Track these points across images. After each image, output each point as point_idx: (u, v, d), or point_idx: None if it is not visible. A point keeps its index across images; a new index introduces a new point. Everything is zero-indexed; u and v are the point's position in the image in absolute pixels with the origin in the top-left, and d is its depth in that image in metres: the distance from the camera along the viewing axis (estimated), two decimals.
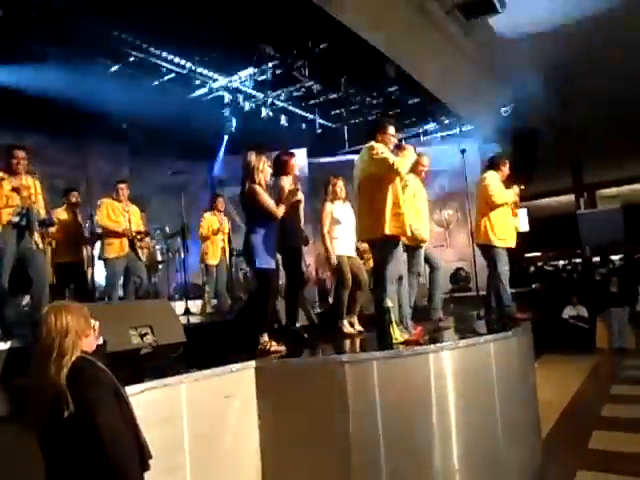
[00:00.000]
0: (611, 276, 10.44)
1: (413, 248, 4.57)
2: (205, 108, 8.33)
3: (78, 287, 5.55)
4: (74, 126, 7.68)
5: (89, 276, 5.87)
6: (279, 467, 3.07)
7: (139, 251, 5.54)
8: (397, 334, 3.49)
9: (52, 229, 4.97)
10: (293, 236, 4.26)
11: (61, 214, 5.42)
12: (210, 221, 6.68)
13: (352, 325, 4.45)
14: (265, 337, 3.57)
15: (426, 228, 4.65)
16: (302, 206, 4.33)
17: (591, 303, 10.08)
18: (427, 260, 4.82)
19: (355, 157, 4.20)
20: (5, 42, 5.89)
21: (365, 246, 4.96)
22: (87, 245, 5.82)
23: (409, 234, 3.90)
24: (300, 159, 4.47)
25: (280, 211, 3.66)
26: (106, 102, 6.92)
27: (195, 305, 6.71)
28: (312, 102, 8.38)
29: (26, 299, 4.87)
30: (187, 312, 6.15)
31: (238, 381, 3.06)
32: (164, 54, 6.98)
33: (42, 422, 1.72)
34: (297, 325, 4.42)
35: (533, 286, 11.11)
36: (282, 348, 3.54)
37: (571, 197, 16.20)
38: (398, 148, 3.84)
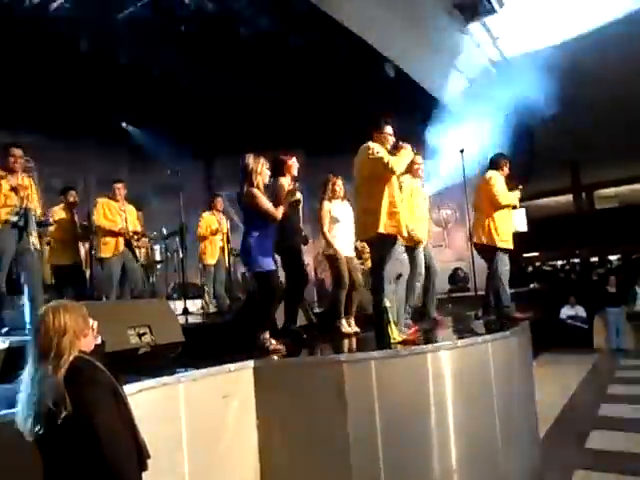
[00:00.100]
0: (608, 276, 10.47)
1: (411, 248, 4.56)
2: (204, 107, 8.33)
3: (76, 287, 5.54)
4: (72, 125, 7.66)
5: (87, 276, 5.86)
6: (277, 467, 3.07)
7: (136, 251, 5.54)
8: (395, 334, 3.49)
9: (51, 228, 4.97)
10: (292, 236, 4.26)
11: (58, 213, 5.40)
12: (208, 221, 6.68)
13: (349, 325, 4.44)
14: (266, 335, 3.58)
15: (423, 229, 4.64)
16: (301, 206, 4.33)
17: (589, 303, 10.10)
18: (426, 265, 4.79)
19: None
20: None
21: (364, 245, 4.96)
22: (84, 242, 5.81)
23: (405, 234, 3.91)
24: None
25: (279, 213, 3.65)
26: (104, 100, 6.92)
27: (194, 305, 6.71)
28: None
29: (23, 299, 4.87)
30: (185, 312, 6.15)
31: (236, 381, 3.06)
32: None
33: (39, 421, 1.71)
34: (296, 325, 4.43)
35: (531, 286, 11.12)
36: (281, 347, 3.55)
37: (569, 197, 16.23)
38: (396, 148, 3.85)
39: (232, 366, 3.03)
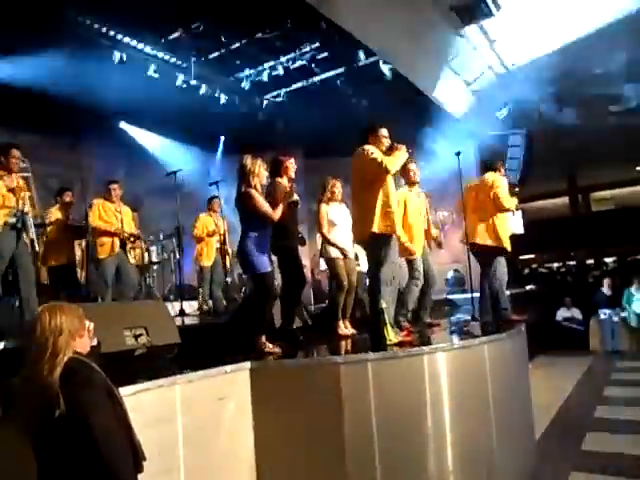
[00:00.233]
0: (604, 278, 10.50)
1: (408, 260, 4.61)
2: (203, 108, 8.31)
3: (71, 288, 5.53)
4: (69, 125, 7.64)
5: (82, 277, 5.85)
6: (274, 469, 3.06)
7: (130, 252, 5.54)
8: (391, 335, 3.50)
9: (49, 228, 4.97)
10: (289, 237, 4.27)
11: (55, 214, 5.39)
12: (205, 222, 6.66)
13: (345, 327, 4.44)
14: (262, 338, 3.58)
15: (419, 238, 4.65)
16: (299, 207, 4.33)
17: (585, 305, 10.13)
18: (424, 271, 4.80)
19: None
20: None
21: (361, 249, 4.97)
22: (79, 243, 5.79)
23: (398, 233, 3.94)
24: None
25: (277, 214, 3.65)
26: (102, 100, 6.90)
27: (190, 306, 6.70)
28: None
29: (17, 300, 4.85)
30: (182, 313, 6.14)
31: (233, 382, 3.05)
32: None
33: (34, 421, 1.71)
34: (293, 326, 4.43)
35: (528, 288, 11.15)
36: (277, 349, 3.55)
37: (565, 199, 16.29)
38: (391, 149, 3.89)
39: (228, 368, 3.03)
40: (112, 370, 1.89)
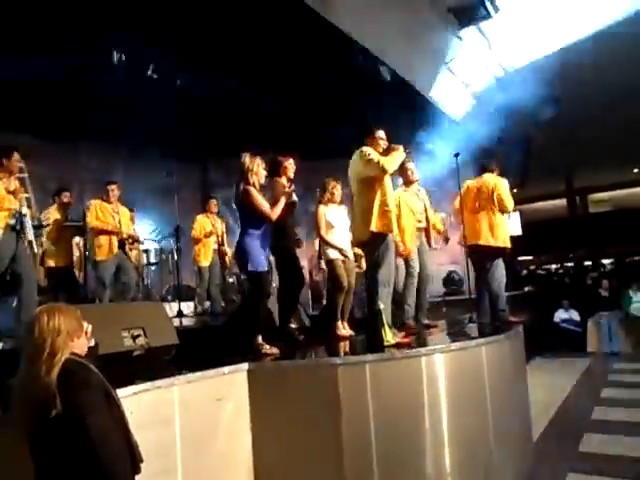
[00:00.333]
0: (601, 280, 10.53)
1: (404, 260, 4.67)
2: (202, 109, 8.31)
3: (69, 289, 5.52)
4: (67, 126, 7.63)
5: (81, 278, 5.84)
6: (271, 470, 3.06)
7: (129, 253, 5.54)
8: (389, 336, 3.51)
9: (48, 229, 4.97)
10: (287, 238, 4.27)
11: (53, 214, 5.39)
12: (202, 223, 6.66)
13: (343, 328, 4.45)
14: (259, 339, 3.58)
15: (412, 242, 4.69)
16: (297, 208, 4.34)
17: (583, 306, 10.15)
18: (420, 272, 4.84)
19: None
20: None
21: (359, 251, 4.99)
22: (77, 243, 5.78)
23: (395, 231, 3.97)
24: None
25: (274, 213, 3.66)
26: (100, 101, 6.88)
27: (188, 307, 6.69)
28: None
29: (15, 301, 4.84)
30: (180, 314, 6.14)
31: (230, 383, 3.05)
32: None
33: (31, 421, 1.71)
34: (291, 327, 4.44)
35: (525, 289, 11.17)
36: (275, 350, 3.55)
37: (563, 201, 16.34)
38: (388, 150, 3.93)
39: (226, 369, 3.03)
40: (110, 371, 1.89)
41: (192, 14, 5.96)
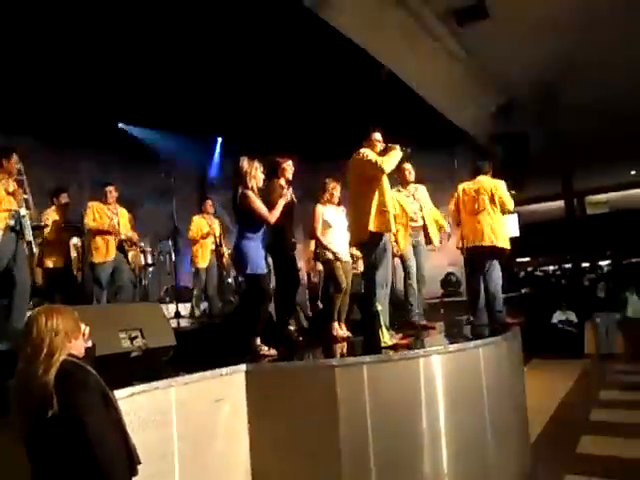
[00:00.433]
0: (599, 282, 10.55)
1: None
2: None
3: (67, 290, 5.51)
4: (64, 127, 7.62)
5: (78, 279, 5.83)
6: (269, 471, 3.06)
7: (127, 254, 5.54)
8: (386, 337, 3.51)
9: (46, 230, 4.98)
10: (284, 239, 4.28)
11: (51, 215, 5.38)
12: (199, 224, 6.62)
13: (340, 330, 4.45)
14: (257, 341, 3.58)
15: (404, 242, 4.74)
16: (294, 210, 4.34)
17: (580, 308, 10.17)
18: (416, 272, 4.87)
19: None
20: None
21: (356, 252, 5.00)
22: (75, 244, 5.77)
23: (393, 230, 3.99)
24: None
25: (273, 216, 3.67)
26: (97, 101, 6.88)
27: (185, 308, 6.68)
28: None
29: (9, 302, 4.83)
30: (178, 315, 6.13)
31: (228, 385, 3.05)
32: None
33: (27, 422, 1.71)
34: (289, 328, 4.44)
35: (523, 291, 11.19)
36: (273, 352, 3.55)
37: (561, 203, 16.36)
38: (385, 150, 3.96)
39: (224, 370, 3.04)
40: (107, 372, 1.89)
41: (190, 17, 5.96)
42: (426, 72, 7.38)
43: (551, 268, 17.30)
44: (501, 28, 6.56)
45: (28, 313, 2.24)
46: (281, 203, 3.78)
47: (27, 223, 4.08)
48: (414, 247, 4.88)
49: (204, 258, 6.57)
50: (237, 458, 3.04)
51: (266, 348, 3.55)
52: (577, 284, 12.07)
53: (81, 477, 1.69)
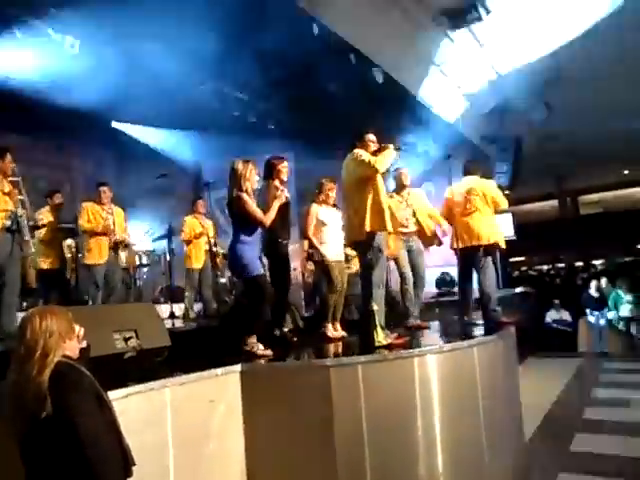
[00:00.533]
0: (591, 281, 10.61)
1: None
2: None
3: (60, 291, 5.49)
4: (57, 126, 7.58)
5: (72, 280, 5.81)
6: (264, 472, 3.06)
7: (120, 254, 5.52)
8: (381, 337, 3.52)
9: (42, 230, 4.96)
10: (281, 240, 4.28)
11: (45, 216, 5.35)
12: (191, 224, 6.53)
13: (335, 330, 4.45)
14: (253, 339, 3.57)
15: (394, 245, 4.79)
16: (290, 210, 4.33)
17: (573, 307, 10.23)
18: (414, 274, 4.90)
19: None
20: None
21: (350, 252, 5.01)
22: (69, 244, 5.76)
23: (390, 229, 4.02)
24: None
25: (268, 219, 3.66)
26: (91, 100, 6.83)
27: (180, 309, 6.65)
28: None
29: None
30: (172, 316, 6.11)
31: (223, 385, 3.05)
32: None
33: (21, 423, 1.70)
34: (284, 329, 4.44)
35: (517, 290, 11.23)
36: (268, 352, 3.54)
37: (554, 203, 16.46)
38: (378, 150, 3.98)
39: (219, 370, 3.03)
40: (102, 373, 1.88)
41: (183, 14, 5.93)
42: (419, 72, 7.41)
43: (545, 267, 17.38)
44: (494, 30, 6.60)
45: (22, 314, 2.23)
46: (276, 205, 3.78)
47: (24, 223, 4.08)
48: (408, 252, 4.89)
49: (198, 259, 6.49)
50: (232, 458, 3.03)
51: (261, 348, 3.55)
52: (571, 283, 12.14)
53: (75, 479, 1.69)
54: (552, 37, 6.93)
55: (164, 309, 6.28)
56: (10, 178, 4.17)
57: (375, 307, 3.65)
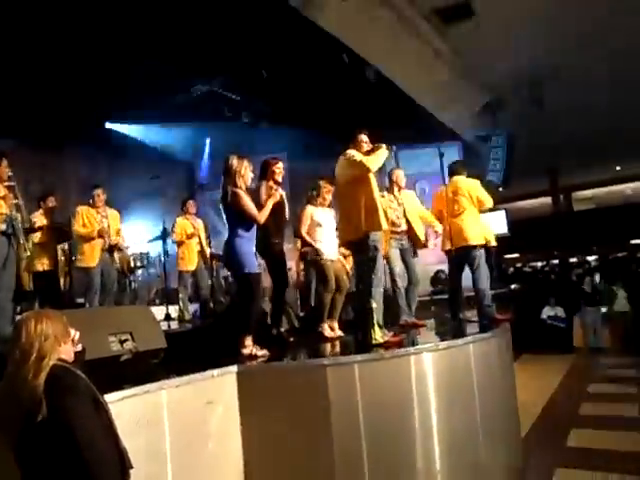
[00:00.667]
0: (585, 277, 10.67)
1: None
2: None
3: (54, 294, 5.47)
4: (49, 127, 7.53)
5: (67, 284, 5.78)
6: (262, 472, 3.06)
7: (115, 256, 5.51)
8: (378, 335, 3.53)
9: (36, 235, 4.95)
10: (276, 240, 4.28)
11: (39, 219, 5.33)
12: (183, 225, 6.48)
13: (332, 329, 4.46)
14: (249, 341, 3.57)
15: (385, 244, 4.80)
16: (286, 210, 4.33)
17: (568, 303, 10.28)
18: (409, 274, 4.92)
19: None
20: None
21: (344, 251, 5.02)
22: (64, 243, 5.73)
23: (385, 227, 4.05)
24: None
25: (262, 216, 3.67)
26: (84, 102, 6.81)
27: (176, 310, 6.63)
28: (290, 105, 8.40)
29: None
30: (168, 317, 6.08)
31: (220, 386, 3.04)
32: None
33: (17, 426, 1.70)
34: (281, 329, 4.44)
35: (512, 287, 11.27)
36: (265, 352, 3.54)
37: (548, 199, 16.52)
38: (371, 150, 4.01)
39: (215, 371, 3.02)
40: (97, 376, 1.88)
41: (175, 14, 5.92)
42: (412, 71, 7.42)
43: (539, 264, 17.45)
44: (486, 28, 6.62)
45: (17, 317, 2.23)
46: (270, 203, 3.78)
47: (19, 226, 4.10)
48: (400, 251, 4.90)
49: (191, 260, 6.42)
50: (230, 459, 3.03)
51: (258, 348, 3.54)
52: (565, 279, 12.20)
53: None
54: (544, 34, 6.96)
55: (159, 311, 6.25)
56: (6, 183, 4.18)
57: (374, 305, 3.67)
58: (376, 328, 3.56)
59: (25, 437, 1.69)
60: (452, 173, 4.98)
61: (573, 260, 15.12)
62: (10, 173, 4.22)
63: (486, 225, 4.95)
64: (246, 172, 3.68)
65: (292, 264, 6.41)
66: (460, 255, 4.81)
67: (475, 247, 4.72)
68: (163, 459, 2.60)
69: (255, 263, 3.67)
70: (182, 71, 7.15)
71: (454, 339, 3.61)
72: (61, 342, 1.82)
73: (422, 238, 4.99)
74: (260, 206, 3.74)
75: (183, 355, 3.85)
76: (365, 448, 2.98)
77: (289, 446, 3.07)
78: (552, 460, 4.26)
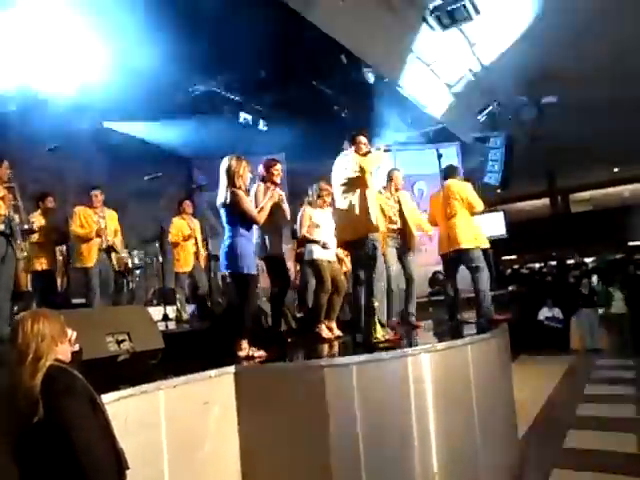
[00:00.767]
0: (582, 278, 10.69)
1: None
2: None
3: (52, 294, 5.45)
4: (47, 127, 7.50)
5: (64, 284, 5.77)
6: (260, 473, 3.05)
7: (112, 256, 5.50)
8: (379, 333, 3.54)
9: (35, 235, 4.95)
10: (276, 241, 4.28)
11: (37, 219, 5.31)
12: (179, 226, 6.44)
13: (330, 330, 4.46)
14: (245, 342, 3.56)
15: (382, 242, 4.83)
16: (287, 211, 4.33)
17: (565, 305, 10.30)
18: (407, 275, 4.96)
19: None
20: None
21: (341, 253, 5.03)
22: (61, 245, 5.72)
23: (382, 229, 4.05)
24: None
25: (261, 217, 3.67)
26: (82, 102, 6.78)
27: (173, 311, 6.62)
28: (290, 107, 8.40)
29: None
30: (165, 318, 6.07)
31: (217, 387, 3.04)
32: None
33: (14, 427, 1.69)
34: (280, 329, 4.44)
35: (510, 288, 11.28)
36: (262, 353, 3.53)
37: (546, 201, 16.57)
38: (370, 151, 4.04)
39: (213, 372, 3.02)
40: (94, 377, 1.87)
41: (182, 18, 5.91)
42: (410, 72, 7.42)
43: (537, 265, 17.48)
44: (485, 29, 6.63)
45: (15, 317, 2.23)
46: (269, 204, 3.79)
47: (17, 227, 4.12)
48: (397, 250, 4.91)
49: (187, 261, 6.39)
50: (227, 460, 3.02)
51: (255, 349, 3.54)
52: (562, 281, 12.21)
53: None
54: (543, 35, 6.97)
55: (157, 311, 6.24)
56: (6, 184, 4.19)
57: (376, 303, 3.68)
58: (377, 326, 3.57)
59: (23, 438, 1.68)
60: (445, 176, 5.00)
61: (570, 262, 15.14)
62: (11, 174, 4.24)
63: (479, 228, 4.95)
64: (245, 173, 3.68)
65: (290, 265, 6.41)
66: (454, 258, 4.82)
67: (469, 249, 4.73)
68: (160, 460, 2.60)
69: (254, 264, 3.67)
70: (182, 71, 7.13)
71: (452, 340, 3.62)
72: (58, 342, 1.81)
73: (416, 236, 5.01)
74: (259, 208, 3.75)
75: (180, 356, 3.84)
76: (362, 449, 2.98)
77: (286, 446, 3.07)
78: (549, 461, 4.26)
